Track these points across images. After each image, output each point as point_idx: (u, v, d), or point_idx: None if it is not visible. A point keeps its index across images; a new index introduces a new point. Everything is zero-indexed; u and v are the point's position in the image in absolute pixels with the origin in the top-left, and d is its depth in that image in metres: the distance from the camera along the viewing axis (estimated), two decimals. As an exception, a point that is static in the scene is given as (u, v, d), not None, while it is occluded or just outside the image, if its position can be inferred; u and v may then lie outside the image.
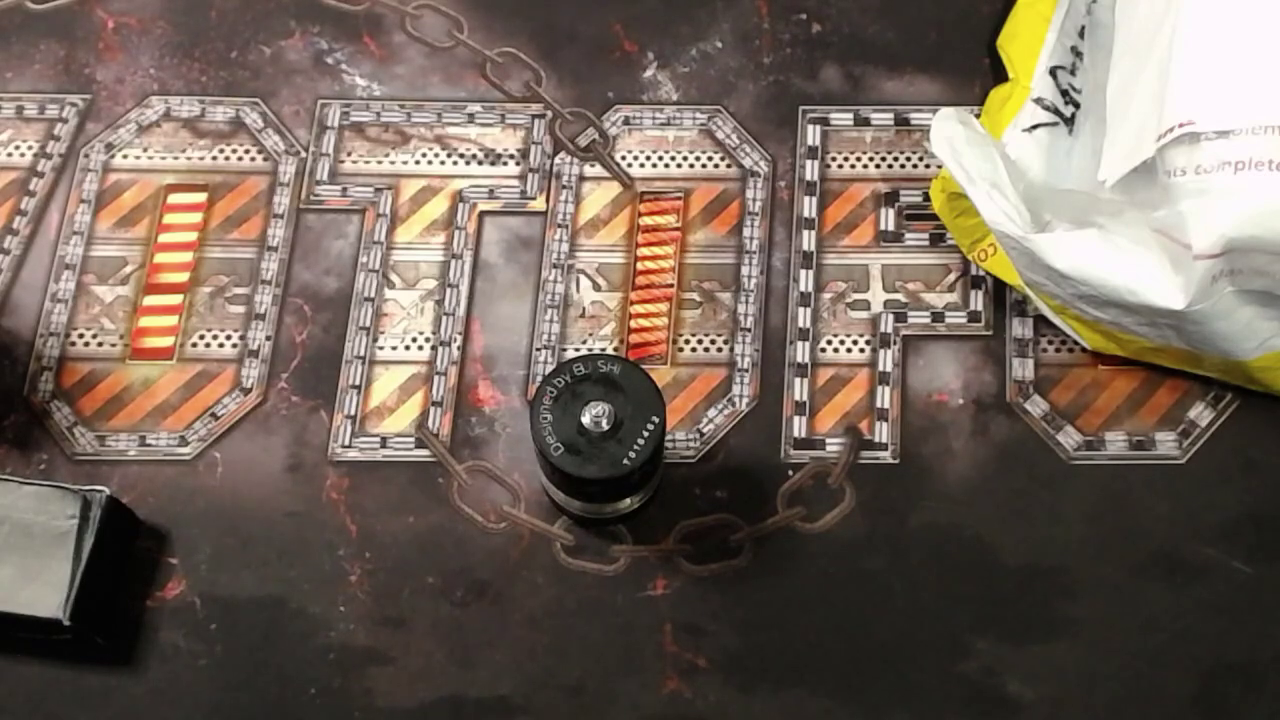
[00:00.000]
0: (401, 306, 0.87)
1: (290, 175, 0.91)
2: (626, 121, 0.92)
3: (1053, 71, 0.86)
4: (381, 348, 0.86)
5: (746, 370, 0.85)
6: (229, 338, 0.87)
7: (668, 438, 0.83)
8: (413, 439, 0.84)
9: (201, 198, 0.90)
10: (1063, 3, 0.88)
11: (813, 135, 0.91)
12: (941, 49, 0.93)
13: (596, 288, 0.87)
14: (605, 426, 0.70)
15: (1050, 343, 0.85)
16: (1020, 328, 0.86)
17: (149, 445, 0.84)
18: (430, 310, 0.87)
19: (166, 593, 0.80)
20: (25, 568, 0.76)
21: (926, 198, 0.88)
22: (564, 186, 0.90)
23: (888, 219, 0.89)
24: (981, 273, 0.86)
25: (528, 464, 0.83)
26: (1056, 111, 0.85)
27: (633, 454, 0.69)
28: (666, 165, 0.91)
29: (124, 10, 0.95)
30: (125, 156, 0.92)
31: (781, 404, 0.84)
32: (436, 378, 0.86)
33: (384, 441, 0.84)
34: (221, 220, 0.90)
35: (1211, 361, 0.80)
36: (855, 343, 0.86)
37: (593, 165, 0.91)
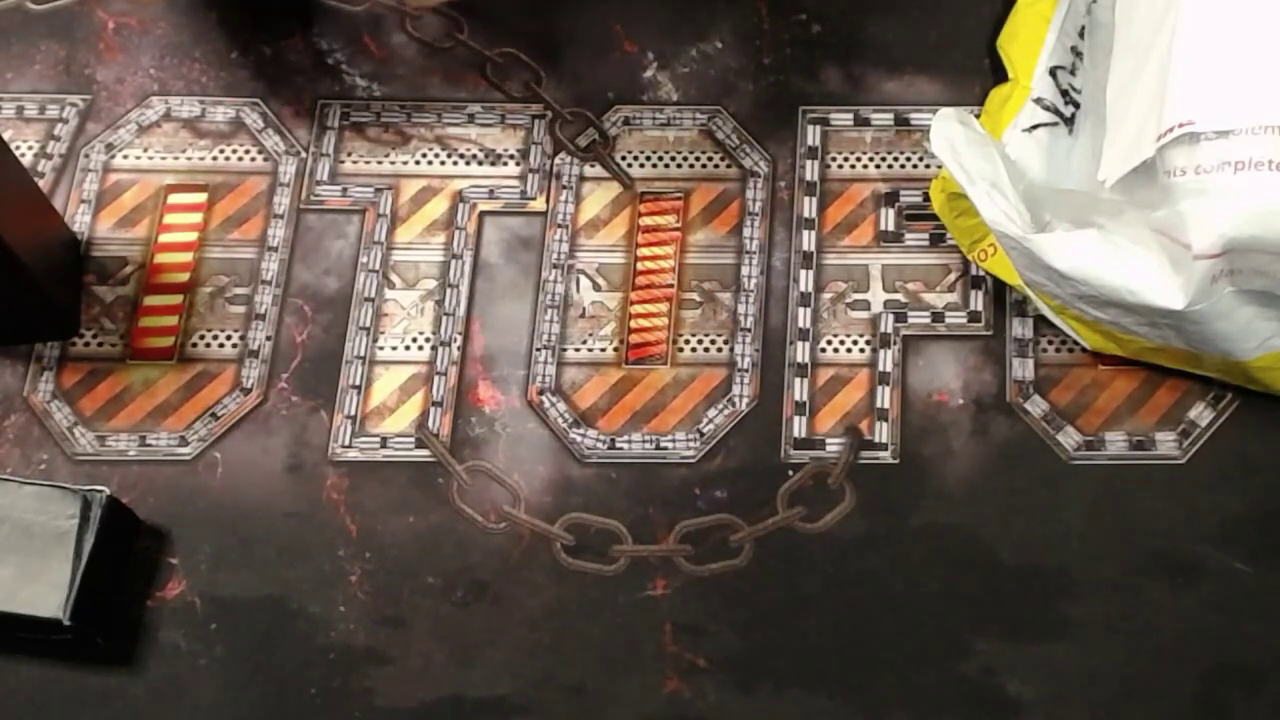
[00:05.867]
0: (402, 306, 0.87)
1: (290, 175, 0.91)
2: (626, 121, 0.92)
3: (1053, 71, 0.86)
4: (382, 348, 0.86)
5: (746, 370, 0.85)
6: (229, 338, 0.87)
7: (667, 438, 0.83)
8: (413, 439, 0.84)
9: (202, 198, 0.91)
10: (1063, 3, 0.88)
11: (813, 135, 0.91)
12: (941, 49, 0.93)
13: (596, 288, 0.87)
14: None
15: (1050, 343, 0.85)
16: (1020, 328, 0.86)
17: (149, 445, 0.84)
18: (430, 310, 0.87)
19: (166, 593, 0.80)
20: (25, 568, 0.76)
21: (926, 198, 0.88)
22: (564, 187, 0.90)
23: (888, 219, 0.89)
24: (981, 273, 0.86)
25: (528, 464, 0.83)
26: (1056, 111, 0.85)
27: None
28: (666, 165, 0.91)
29: (124, 11, 0.95)
30: (125, 157, 0.92)
31: (781, 404, 0.84)
32: (436, 378, 0.86)
33: (384, 441, 0.84)
34: (222, 220, 0.90)
35: (1211, 361, 0.80)
36: (855, 343, 0.86)
37: (593, 165, 0.91)
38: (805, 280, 0.87)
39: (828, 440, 0.83)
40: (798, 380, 0.85)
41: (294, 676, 0.79)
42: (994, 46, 0.90)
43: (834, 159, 0.90)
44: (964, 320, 0.86)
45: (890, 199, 0.89)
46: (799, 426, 0.84)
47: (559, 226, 0.89)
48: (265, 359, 0.86)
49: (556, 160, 0.91)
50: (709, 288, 0.87)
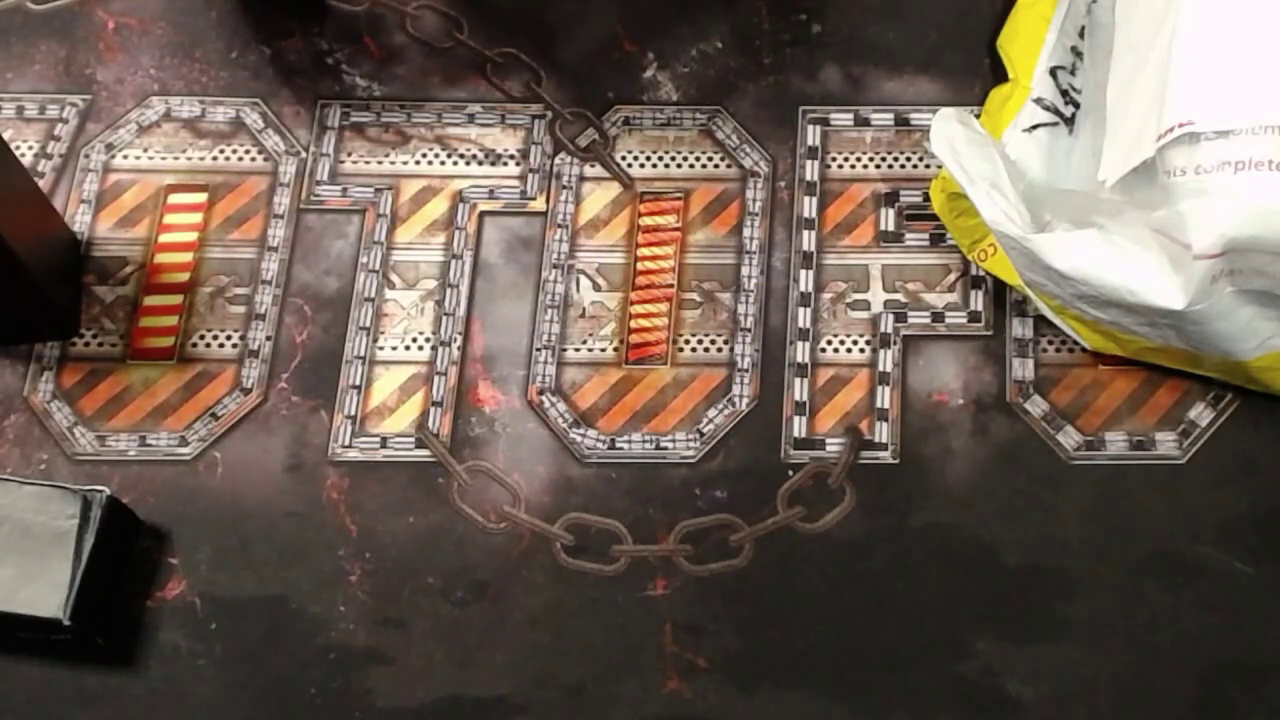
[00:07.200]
0: (402, 306, 0.87)
1: (290, 175, 0.91)
2: (626, 121, 0.92)
3: (1053, 71, 0.86)
4: (382, 348, 0.86)
5: (746, 370, 0.85)
6: (229, 338, 0.87)
7: (667, 438, 0.83)
8: (413, 439, 0.84)
9: (202, 198, 0.91)
10: (1063, 3, 0.88)
11: (813, 135, 0.91)
12: (941, 49, 0.93)
13: (596, 288, 0.87)
14: None
15: (1050, 343, 0.85)
16: (1020, 328, 0.86)
17: (149, 445, 0.84)
18: (430, 310, 0.87)
19: (166, 593, 0.81)
20: (25, 568, 0.76)
21: (926, 198, 0.88)
22: (564, 187, 0.90)
23: (888, 219, 0.89)
24: (981, 273, 0.86)
25: (528, 464, 0.83)
26: (1056, 111, 0.85)
27: None
28: (666, 165, 0.91)
29: (124, 11, 0.95)
30: (125, 157, 0.92)
31: (781, 404, 0.84)
32: (436, 378, 0.86)
33: (384, 441, 0.84)
34: (222, 220, 0.90)
35: (1211, 361, 0.80)
36: (855, 343, 0.86)
37: (593, 165, 0.91)
38: (805, 280, 0.87)
39: (828, 440, 0.84)
40: (798, 380, 0.85)
41: (294, 676, 0.79)
42: (994, 46, 0.90)
43: (834, 159, 0.90)
44: (964, 320, 0.86)
45: (890, 199, 0.89)
46: (799, 426, 0.84)
47: (559, 226, 0.89)
48: (265, 359, 0.86)
49: (556, 160, 0.91)
50: (709, 288, 0.87)
